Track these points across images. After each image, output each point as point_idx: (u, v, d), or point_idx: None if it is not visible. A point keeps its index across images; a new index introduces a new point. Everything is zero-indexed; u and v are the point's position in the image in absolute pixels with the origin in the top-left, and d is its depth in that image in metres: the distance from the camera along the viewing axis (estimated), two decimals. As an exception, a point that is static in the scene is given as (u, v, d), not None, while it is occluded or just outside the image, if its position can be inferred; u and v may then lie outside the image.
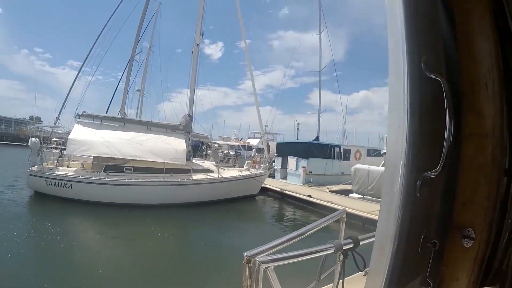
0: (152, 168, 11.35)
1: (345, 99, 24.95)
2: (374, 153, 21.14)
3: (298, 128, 23.30)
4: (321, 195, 13.11)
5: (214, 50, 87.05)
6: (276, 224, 10.93)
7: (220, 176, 12.46)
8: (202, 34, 13.59)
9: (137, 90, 21.98)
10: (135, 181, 10.88)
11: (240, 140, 35.07)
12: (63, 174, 10.83)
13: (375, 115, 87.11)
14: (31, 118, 51.11)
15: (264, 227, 10.52)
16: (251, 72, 14.70)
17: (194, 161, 13.59)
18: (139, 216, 9.91)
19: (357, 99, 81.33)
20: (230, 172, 13.76)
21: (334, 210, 10.89)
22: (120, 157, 11.17)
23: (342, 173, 18.22)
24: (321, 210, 11.45)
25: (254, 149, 23.42)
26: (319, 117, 20.98)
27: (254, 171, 14.21)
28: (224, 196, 12.52)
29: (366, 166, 13.13)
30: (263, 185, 14.67)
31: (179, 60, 64.97)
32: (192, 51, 13.83)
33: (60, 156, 12.21)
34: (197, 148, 18.52)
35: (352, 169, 13.38)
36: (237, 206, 12.68)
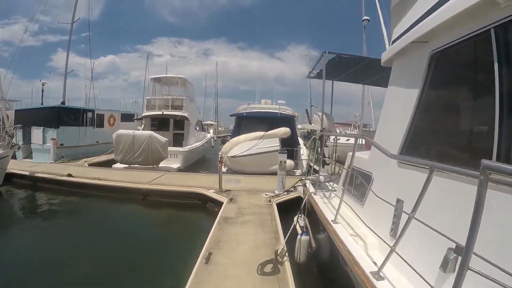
0: None
1: (92, 63, 21.69)
2: (129, 118, 20.83)
3: (43, 90, 17.35)
4: (83, 172, 11.29)
5: None
6: (38, 225, 7.57)
7: None
8: None
9: None
10: None
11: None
12: None
13: (120, 81, 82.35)
14: None
15: (20, 234, 7.04)
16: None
17: None
18: None
19: (103, 64, 72.29)
20: None
21: (105, 188, 10.11)
22: None
23: (97, 142, 16.51)
24: (88, 190, 9.65)
25: None
26: (65, 78, 16.61)
27: None
28: None
29: (130, 131, 12.09)
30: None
31: None
32: None
33: None
34: None
35: (114, 136, 11.98)
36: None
